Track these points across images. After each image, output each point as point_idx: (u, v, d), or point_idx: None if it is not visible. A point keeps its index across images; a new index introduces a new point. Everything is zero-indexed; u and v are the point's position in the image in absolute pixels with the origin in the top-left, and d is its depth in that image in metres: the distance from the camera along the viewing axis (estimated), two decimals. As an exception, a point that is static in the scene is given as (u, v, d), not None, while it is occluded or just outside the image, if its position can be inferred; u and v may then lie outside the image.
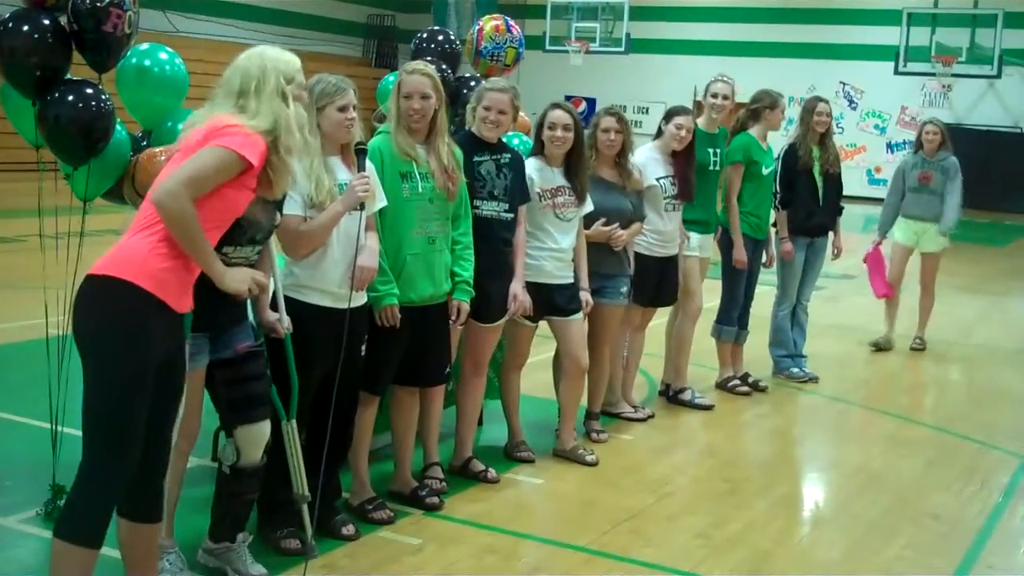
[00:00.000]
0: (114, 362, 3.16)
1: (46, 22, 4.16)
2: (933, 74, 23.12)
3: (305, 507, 4.00)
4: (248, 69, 3.45)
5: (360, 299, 4.28)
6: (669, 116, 6.20)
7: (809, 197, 7.26)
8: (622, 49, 23.93)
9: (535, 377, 5.82)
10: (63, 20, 4.19)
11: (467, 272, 4.74)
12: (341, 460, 4.49)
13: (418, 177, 4.53)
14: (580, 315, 5.45)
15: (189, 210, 3.16)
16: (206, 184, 3.20)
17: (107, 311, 3.16)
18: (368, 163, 4.22)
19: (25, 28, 4.14)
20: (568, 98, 6.08)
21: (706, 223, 6.63)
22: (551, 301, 5.34)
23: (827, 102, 7.36)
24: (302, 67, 3.56)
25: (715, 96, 6.63)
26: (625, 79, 25.47)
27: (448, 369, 4.93)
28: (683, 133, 6.10)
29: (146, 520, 3.41)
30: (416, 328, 4.58)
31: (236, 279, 3.42)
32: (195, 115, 3.49)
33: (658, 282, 6.21)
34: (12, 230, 11.35)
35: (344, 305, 4.11)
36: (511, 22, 6.05)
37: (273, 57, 3.49)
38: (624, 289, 5.83)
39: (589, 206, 5.47)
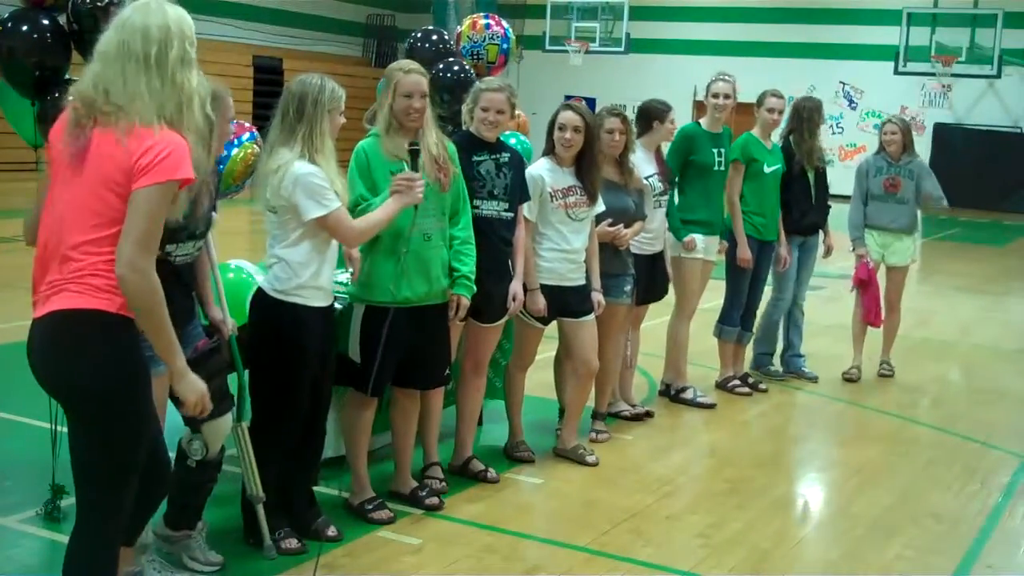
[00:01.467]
0: (127, 403, 2.92)
1: (45, 22, 4.16)
2: (933, 74, 23.16)
3: (260, 508, 4.01)
4: (148, 31, 2.89)
5: (331, 298, 4.35)
6: (654, 116, 6.19)
7: (804, 197, 7.25)
8: (622, 49, 23.96)
9: (535, 377, 5.82)
10: (62, 20, 4.20)
11: (467, 267, 4.72)
12: (318, 458, 4.60)
13: None
14: (592, 316, 5.44)
15: (155, 283, 2.83)
16: (160, 229, 2.86)
17: (108, 349, 2.88)
18: (309, 167, 4.09)
19: (24, 28, 4.14)
20: (568, 98, 6.07)
21: (710, 224, 6.61)
22: (563, 303, 5.34)
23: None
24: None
25: (716, 96, 6.60)
26: (625, 79, 25.45)
27: (448, 370, 4.93)
28: (675, 127, 6.15)
29: (127, 544, 3.28)
30: (415, 329, 4.58)
31: (192, 387, 3.07)
32: (81, 89, 2.94)
33: (648, 279, 6.19)
34: (12, 230, 11.33)
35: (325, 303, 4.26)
36: (492, 19, 6.07)
37: (176, 17, 2.95)
38: (627, 288, 5.82)
39: (601, 206, 5.48)
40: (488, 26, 6.00)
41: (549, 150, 5.38)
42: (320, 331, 4.22)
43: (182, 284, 3.81)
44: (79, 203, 2.87)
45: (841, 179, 7.56)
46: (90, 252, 2.85)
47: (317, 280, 4.18)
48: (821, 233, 7.48)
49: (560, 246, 5.31)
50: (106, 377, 2.87)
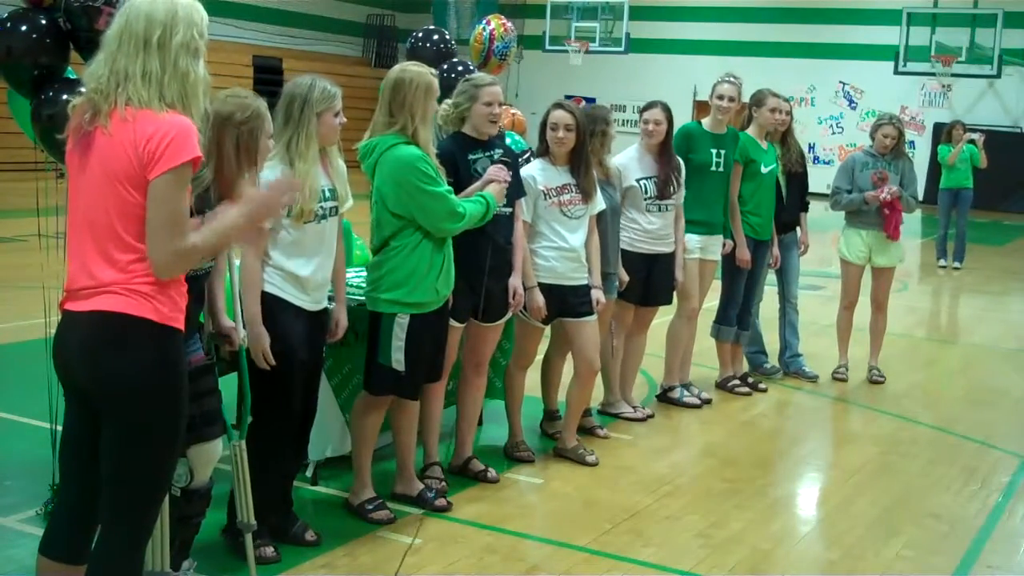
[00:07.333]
0: (172, 405, 2.90)
1: (44, 22, 4.16)
2: (933, 74, 23.16)
3: (249, 537, 3.83)
4: (152, 14, 2.81)
5: (324, 303, 4.31)
6: (641, 114, 6.18)
7: (776, 196, 7.20)
8: (622, 49, 23.95)
9: (535, 377, 5.82)
10: (61, 19, 4.20)
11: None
12: (298, 469, 4.58)
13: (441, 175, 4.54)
14: (594, 316, 5.43)
15: (194, 249, 2.83)
16: (185, 213, 2.82)
17: (156, 355, 2.85)
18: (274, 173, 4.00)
19: (23, 28, 4.14)
20: (568, 98, 6.06)
21: (709, 224, 6.60)
22: (563, 302, 5.33)
23: (783, 98, 7.06)
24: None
25: (720, 98, 6.58)
26: (625, 79, 25.48)
27: (447, 368, 4.92)
28: (650, 127, 6.06)
29: (82, 561, 3.06)
30: (436, 326, 4.61)
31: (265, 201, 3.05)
32: (96, 73, 2.85)
33: (646, 279, 6.15)
34: (12, 230, 11.35)
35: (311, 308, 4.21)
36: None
37: (186, 4, 2.86)
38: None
39: (600, 204, 5.48)
40: (511, 28, 6.16)
41: (543, 151, 5.38)
42: (304, 333, 4.14)
43: (194, 295, 3.73)
44: (101, 202, 2.82)
45: (817, 178, 7.50)
46: (135, 259, 2.81)
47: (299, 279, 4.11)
48: (798, 231, 7.48)
49: (556, 244, 5.30)
50: (153, 377, 2.84)
